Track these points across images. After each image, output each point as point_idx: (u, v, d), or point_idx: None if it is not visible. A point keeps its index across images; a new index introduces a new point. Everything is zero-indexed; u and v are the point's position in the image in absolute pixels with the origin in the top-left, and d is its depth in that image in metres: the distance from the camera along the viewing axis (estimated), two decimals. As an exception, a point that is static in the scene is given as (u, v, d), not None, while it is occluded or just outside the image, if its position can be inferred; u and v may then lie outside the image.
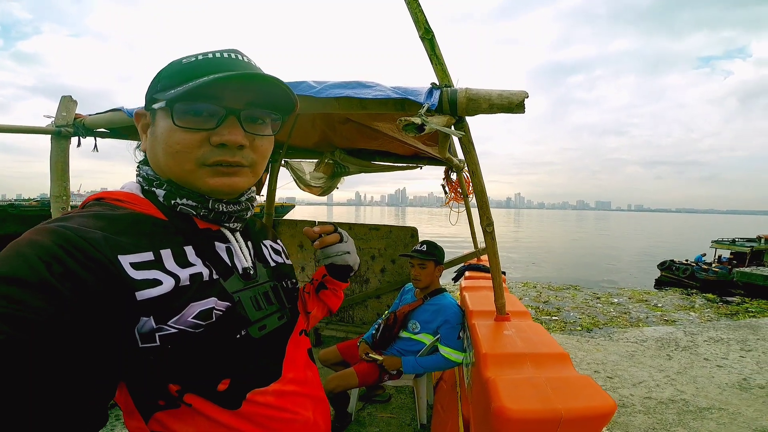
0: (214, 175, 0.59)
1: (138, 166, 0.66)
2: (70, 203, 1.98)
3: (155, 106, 0.58)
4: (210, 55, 0.58)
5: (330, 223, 0.84)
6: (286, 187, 3.77)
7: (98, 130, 1.93)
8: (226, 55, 0.59)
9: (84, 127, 1.85)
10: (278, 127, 0.65)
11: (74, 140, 1.90)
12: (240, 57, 0.61)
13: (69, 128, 1.84)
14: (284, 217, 4.47)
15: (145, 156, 0.66)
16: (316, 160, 3.41)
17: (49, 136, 1.86)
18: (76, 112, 1.89)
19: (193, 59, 0.58)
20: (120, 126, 1.80)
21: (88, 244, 0.46)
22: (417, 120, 1.02)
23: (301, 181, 3.70)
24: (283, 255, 0.82)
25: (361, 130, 2.37)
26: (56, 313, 0.41)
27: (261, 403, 0.61)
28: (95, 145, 1.95)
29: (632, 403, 3.18)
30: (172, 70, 0.58)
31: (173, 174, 0.60)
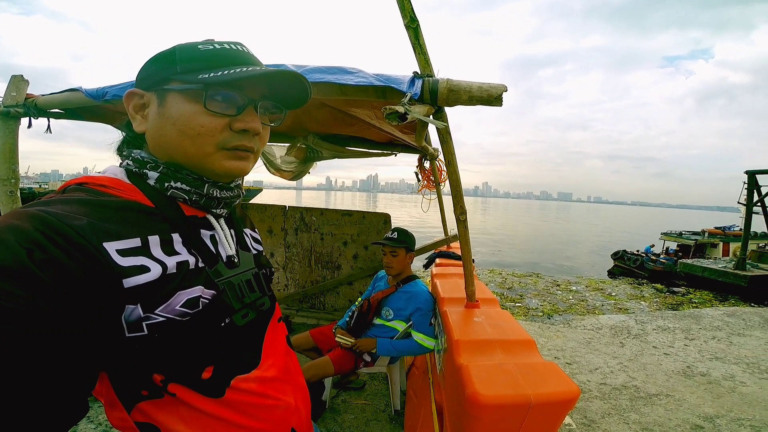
0: (230, 158, 0.61)
1: (122, 150, 0.64)
2: (19, 186, 1.88)
3: (173, 87, 0.57)
4: (227, 46, 0.61)
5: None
6: (253, 171, 3.68)
7: (52, 110, 1.82)
8: (238, 47, 0.62)
9: (36, 108, 1.75)
10: (278, 119, 0.68)
11: (24, 121, 1.80)
12: (247, 50, 0.63)
13: (19, 108, 1.74)
14: (252, 201, 4.37)
15: (131, 139, 0.65)
16: (287, 144, 3.33)
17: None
18: (28, 91, 1.78)
19: (211, 47, 0.59)
20: (77, 106, 1.71)
21: (72, 231, 0.45)
22: (400, 109, 1.01)
23: (271, 165, 3.61)
24: (261, 244, 0.83)
25: (336, 115, 2.33)
26: (37, 301, 0.40)
27: (244, 390, 0.62)
28: (48, 126, 1.85)
29: (589, 389, 3.37)
30: (191, 54, 0.58)
31: (186, 155, 0.59)
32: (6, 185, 1.81)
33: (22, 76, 1.80)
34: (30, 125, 1.82)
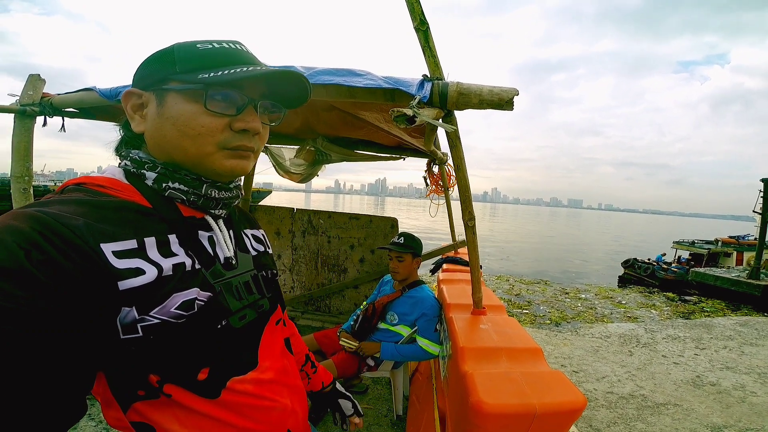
0: (231, 158, 0.61)
1: (120, 150, 0.64)
2: (33, 183, 1.92)
3: (172, 86, 0.57)
4: (225, 45, 0.60)
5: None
6: (263, 173, 3.73)
7: (67, 109, 1.86)
8: (237, 46, 0.61)
9: (51, 107, 1.80)
10: (278, 119, 0.67)
11: (39, 120, 1.84)
12: (246, 49, 0.63)
13: (35, 107, 1.78)
14: (260, 203, 4.39)
15: (129, 139, 0.65)
16: (296, 147, 3.34)
17: (11, 115, 1.79)
18: (44, 91, 1.82)
19: (210, 46, 0.59)
20: (90, 106, 1.75)
21: (69, 231, 0.45)
22: (408, 112, 1.01)
23: (280, 167, 3.63)
24: (264, 243, 0.82)
25: (345, 118, 2.34)
26: (36, 302, 0.40)
27: (240, 392, 0.61)
28: (62, 125, 1.89)
29: (596, 398, 3.31)
30: (189, 53, 0.58)
31: (187, 155, 0.59)
32: (20, 182, 1.84)
33: (39, 75, 1.84)
34: (45, 123, 1.86)
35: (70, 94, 1.76)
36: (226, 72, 0.55)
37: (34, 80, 1.82)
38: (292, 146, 3.41)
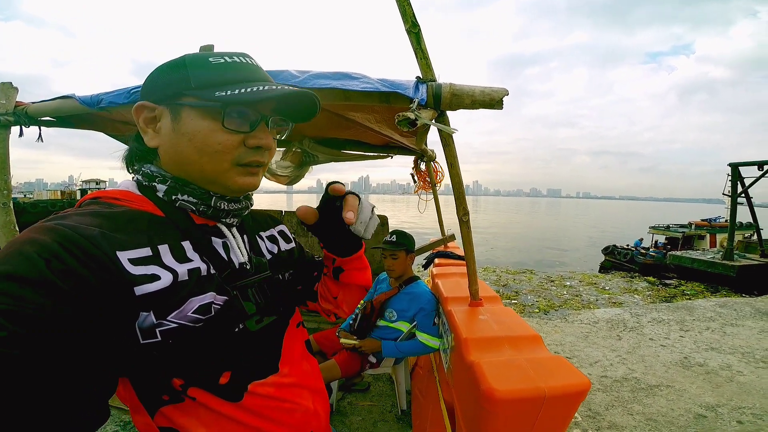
0: (243, 175, 0.62)
1: (133, 164, 0.66)
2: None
3: (188, 102, 0.58)
4: (237, 59, 0.61)
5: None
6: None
7: (43, 118, 1.80)
8: (247, 60, 0.62)
9: (27, 116, 1.73)
10: (284, 132, 0.69)
11: (14, 131, 1.77)
12: (255, 62, 0.64)
13: (9, 117, 1.72)
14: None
15: (141, 153, 0.65)
16: (282, 149, 3.32)
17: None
18: (17, 99, 1.75)
19: (222, 60, 0.60)
20: (69, 114, 1.70)
21: (86, 241, 0.47)
22: (411, 115, 1.04)
23: (266, 170, 3.60)
24: (280, 242, 0.82)
25: (333, 119, 2.33)
26: (56, 309, 0.41)
27: (262, 395, 0.63)
28: (39, 135, 1.83)
29: (591, 382, 3.41)
30: (203, 68, 0.58)
31: (203, 172, 0.60)
32: (-1, 197, 1.78)
33: (11, 83, 1.76)
34: (21, 134, 1.79)
35: (47, 102, 1.69)
36: (243, 90, 0.56)
37: (6, 88, 1.74)
38: (278, 148, 3.39)
